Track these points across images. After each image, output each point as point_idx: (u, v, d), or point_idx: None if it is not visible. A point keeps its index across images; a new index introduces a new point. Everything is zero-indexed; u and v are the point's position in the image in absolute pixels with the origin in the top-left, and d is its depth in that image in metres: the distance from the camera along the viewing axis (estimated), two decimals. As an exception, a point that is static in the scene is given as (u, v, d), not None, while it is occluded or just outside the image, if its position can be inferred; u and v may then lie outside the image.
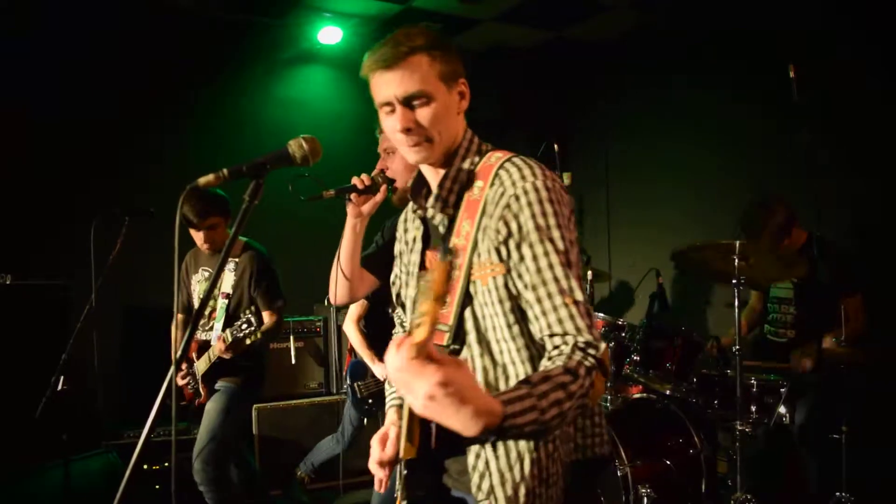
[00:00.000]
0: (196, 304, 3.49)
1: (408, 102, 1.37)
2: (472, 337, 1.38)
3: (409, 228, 1.64)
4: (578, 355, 1.22)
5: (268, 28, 5.09)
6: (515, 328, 1.35)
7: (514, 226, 1.32)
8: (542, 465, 1.33)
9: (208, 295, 1.54)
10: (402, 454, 1.27)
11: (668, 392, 3.42)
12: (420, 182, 1.54)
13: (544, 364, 1.27)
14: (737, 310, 3.07)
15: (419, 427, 1.30)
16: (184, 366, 3.38)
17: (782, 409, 3.19)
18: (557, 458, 1.35)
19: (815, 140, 3.05)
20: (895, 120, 3.83)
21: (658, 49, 5.19)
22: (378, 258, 2.35)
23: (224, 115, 5.06)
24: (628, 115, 5.52)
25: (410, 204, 1.61)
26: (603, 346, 1.26)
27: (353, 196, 2.14)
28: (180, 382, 3.41)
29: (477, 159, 1.46)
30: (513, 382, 1.30)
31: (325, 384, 4.60)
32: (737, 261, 3.01)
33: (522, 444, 1.33)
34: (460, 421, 1.03)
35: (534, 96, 6.00)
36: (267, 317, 3.31)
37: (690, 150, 4.99)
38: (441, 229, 1.47)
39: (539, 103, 6.01)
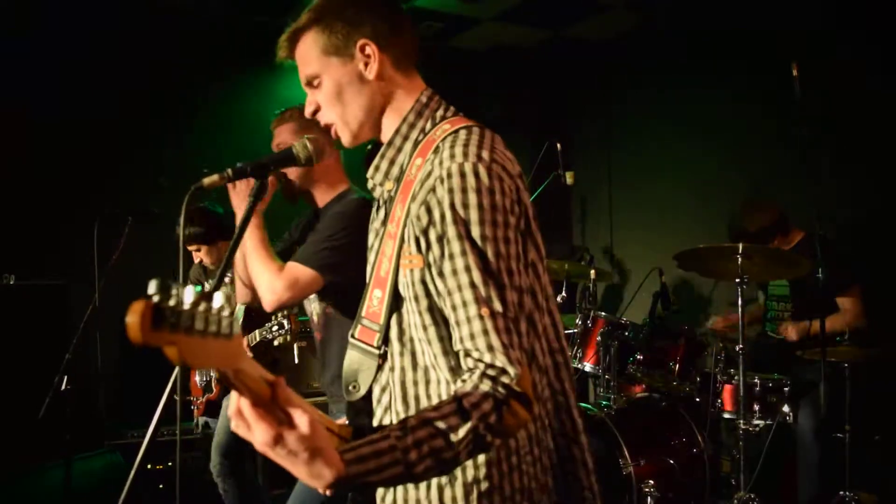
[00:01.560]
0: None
1: (309, 86, 1.32)
2: (393, 332, 1.21)
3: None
4: (486, 385, 1.04)
5: (269, 28, 5.08)
6: (432, 330, 1.16)
7: (435, 214, 1.11)
8: (453, 494, 1.14)
9: (216, 286, 1.53)
10: None
11: (671, 391, 3.42)
12: (372, 155, 1.35)
13: (453, 388, 1.11)
14: (740, 308, 3.07)
15: None
16: None
17: (785, 409, 3.19)
18: (483, 493, 1.14)
19: (815, 140, 3.05)
20: (895, 120, 3.83)
21: (658, 49, 5.20)
22: (288, 255, 2.19)
23: (225, 116, 5.06)
24: (629, 115, 5.53)
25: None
26: (520, 370, 1.05)
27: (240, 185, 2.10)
28: (194, 376, 3.44)
29: (429, 127, 1.26)
30: (433, 389, 1.18)
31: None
32: (740, 260, 3.02)
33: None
34: (300, 475, 0.93)
35: (534, 96, 6.00)
36: (291, 320, 3.34)
37: (691, 149, 4.99)
38: (381, 210, 1.31)
39: (539, 103, 6.01)
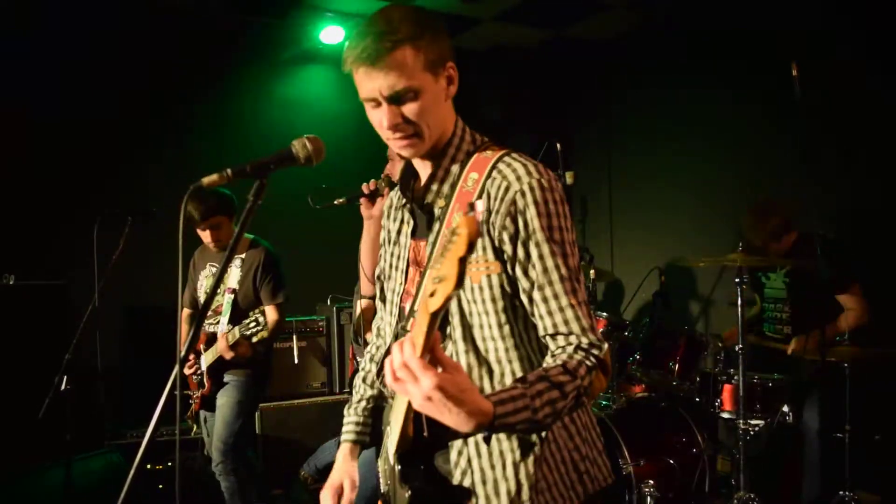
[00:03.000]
0: (202, 299, 3.53)
1: (395, 99, 1.30)
2: (457, 333, 1.36)
3: (395, 218, 1.56)
4: (580, 355, 1.24)
5: (269, 28, 5.09)
6: (506, 328, 1.34)
7: (520, 223, 1.29)
8: (527, 470, 1.33)
9: (214, 290, 1.54)
10: (395, 448, 1.25)
11: (671, 391, 3.42)
12: (409, 173, 1.48)
13: (546, 361, 1.28)
14: (740, 308, 3.07)
15: (413, 421, 1.27)
16: (192, 357, 3.43)
17: (785, 409, 3.19)
18: (552, 465, 1.36)
19: (815, 140, 3.05)
20: (895, 120, 3.83)
21: (658, 49, 5.20)
22: None
23: (226, 116, 5.06)
24: (629, 115, 5.53)
25: (395, 192, 1.58)
26: (605, 346, 1.27)
27: (361, 200, 2.28)
28: (187, 371, 3.47)
29: (471, 149, 1.40)
30: (497, 381, 1.34)
31: (328, 384, 4.60)
32: (739, 259, 3.02)
33: (506, 444, 1.34)
34: (454, 421, 1.06)
35: (534, 96, 6.00)
36: (270, 312, 3.34)
37: (691, 148, 4.99)
38: (434, 222, 1.41)
39: (539, 103, 6.01)
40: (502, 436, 1.34)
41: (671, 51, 5.08)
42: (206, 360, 3.38)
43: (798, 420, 3.27)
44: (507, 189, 1.30)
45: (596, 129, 5.81)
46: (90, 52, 4.50)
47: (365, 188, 2.33)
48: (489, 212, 1.31)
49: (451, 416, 1.05)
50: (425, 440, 1.27)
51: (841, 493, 3.10)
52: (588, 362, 1.23)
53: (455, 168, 1.39)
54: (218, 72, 4.97)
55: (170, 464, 3.90)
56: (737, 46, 4.57)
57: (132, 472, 1.27)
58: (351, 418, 1.66)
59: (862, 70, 3.95)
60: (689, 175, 5.01)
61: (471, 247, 0.91)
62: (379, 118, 1.32)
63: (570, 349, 1.25)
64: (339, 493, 1.54)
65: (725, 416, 3.31)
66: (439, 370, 1.04)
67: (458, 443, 1.37)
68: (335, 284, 4.62)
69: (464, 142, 1.41)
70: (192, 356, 3.45)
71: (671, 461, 3.17)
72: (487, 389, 1.34)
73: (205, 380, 3.40)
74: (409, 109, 1.31)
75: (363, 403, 1.68)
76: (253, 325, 3.06)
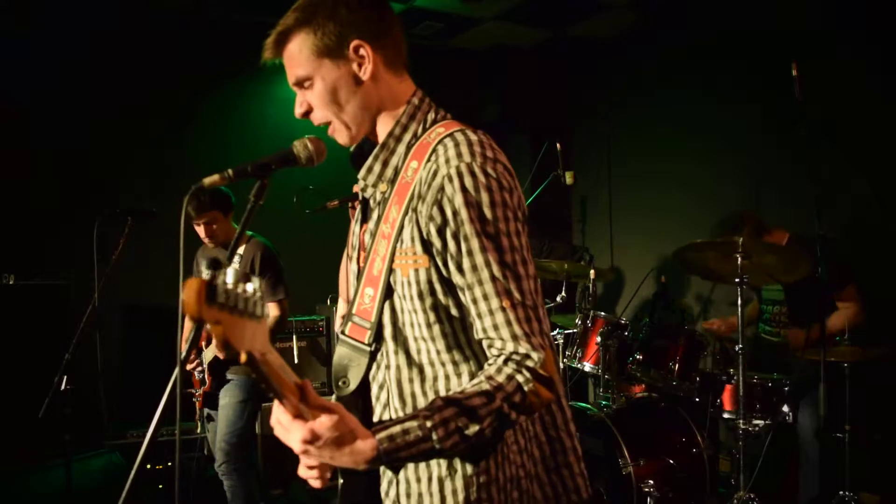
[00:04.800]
0: None
1: (299, 87, 1.29)
2: (388, 332, 1.24)
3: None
4: (510, 368, 1.11)
5: (269, 28, 5.09)
6: (436, 328, 1.20)
7: (448, 212, 1.15)
8: (453, 486, 1.19)
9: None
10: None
11: (670, 391, 3.42)
12: (359, 154, 1.36)
13: (454, 382, 1.20)
14: (739, 308, 3.07)
15: None
16: (193, 353, 3.44)
17: (785, 408, 3.19)
18: (500, 483, 1.19)
19: (815, 140, 3.05)
20: (895, 120, 3.83)
21: (658, 49, 5.20)
22: None
23: (226, 116, 5.06)
24: (629, 115, 5.53)
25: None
26: (543, 355, 1.12)
27: (354, 203, 2.21)
28: (189, 368, 3.48)
29: (420, 130, 1.27)
30: (429, 386, 1.22)
31: (328, 384, 4.60)
32: (739, 259, 3.02)
33: (433, 465, 1.21)
34: (341, 463, 1.03)
35: (534, 96, 6.00)
36: (271, 308, 3.35)
37: (691, 148, 4.99)
38: (374, 210, 1.30)
39: (539, 103, 6.01)
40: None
41: (671, 51, 5.08)
42: (207, 357, 3.39)
43: (795, 420, 3.27)
44: (434, 174, 1.17)
45: (596, 129, 5.81)
46: (90, 52, 4.50)
47: (357, 189, 2.28)
48: (416, 201, 1.19)
49: (335, 461, 1.02)
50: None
51: (841, 493, 3.10)
52: (519, 376, 1.10)
53: (401, 149, 1.27)
54: (218, 72, 4.97)
55: (170, 464, 3.90)
56: (737, 46, 4.57)
57: (132, 472, 1.27)
58: None
59: (862, 70, 3.95)
60: (689, 175, 5.01)
61: (194, 319, 0.77)
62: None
63: (499, 360, 1.12)
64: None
65: (725, 416, 3.32)
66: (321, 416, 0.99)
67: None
68: (335, 284, 4.61)
69: (413, 120, 1.28)
70: (193, 353, 3.45)
71: (671, 461, 3.17)
72: (419, 393, 1.23)
73: (206, 376, 3.40)
74: (311, 97, 1.28)
75: None
76: None
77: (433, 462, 1.20)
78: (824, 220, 2.90)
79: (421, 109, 1.29)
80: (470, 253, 1.14)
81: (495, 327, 1.13)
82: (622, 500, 3.03)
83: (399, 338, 1.24)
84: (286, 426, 1.00)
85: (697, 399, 3.36)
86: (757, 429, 3.14)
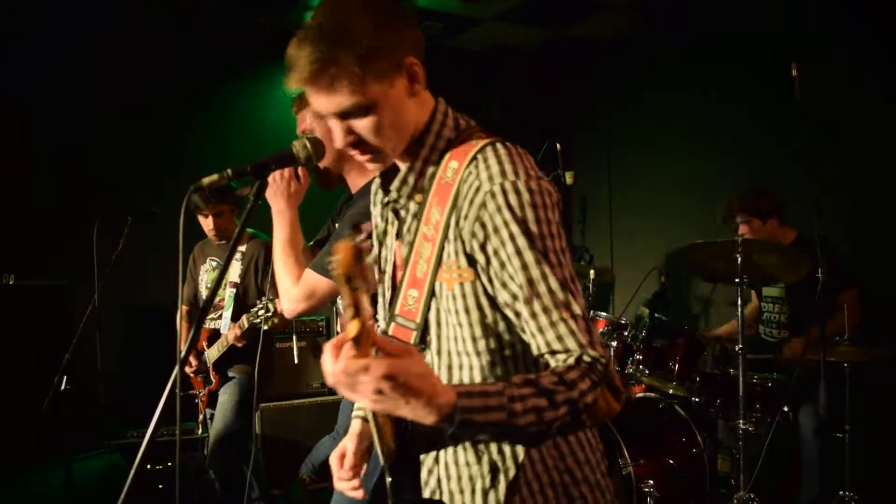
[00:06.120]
0: (204, 294, 3.52)
1: (345, 116, 1.15)
2: (433, 345, 1.22)
3: (382, 216, 1.38)
4: (581, 368, 1.08)
5: (268, 28, 5.09)
6: (482, 343, 1.18)
7: (489, 228, 1.12)
8: (497, 497, 1.17)
9: (218, 283, 1.52)
10: (381, 461, 1.15)
11: (670, 391, 3.42)
12: (390, 169, 1.30)
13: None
14: (739, 308, 3.07)
15: (391, 426, 1.15)
16: (192, 360, 3.41)
17: (785, 408, 3.19)
18: (535, 490, 1.18)
19: (815, 140, 3.05)
20: (895, 120, 3.83)
21: (658, 49, 5.20)
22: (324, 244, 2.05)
23: (225, 116, 5.06)
24: (629, 115, 5.53)
25: (375, 184, 1.41)
26: (610, 364, 1.12)
27: (274, 177, 1.95)
28: (187, 371, 3.46)
29: (453, 136, 1.24)
30: None
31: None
32: (739, 259, 3.02)
33: (475, 469, 1.20)
34: (413, 412, 0.95)
35: (534, 96, 6.00)
36: (279, 304, 3.35)
37: (691, 148, 4.99)
38: (410, 218, 1.26)
39: (540, 103, 6.01)
40: (471, 458, 1.20)
41: (671, 51, 5.09)
42: (211, 356, 3.38)
43: (795, 420, 3.27)
44: (477, 189, 1.14)
45: (596, 129, 5.81)
46: (90, 52, 4.50)
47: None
48: (459, 215, 1.16)
49: (408, 408, 0.94)
50: (412, 447, 1.19)
51: (841, 493, 3.10)
52: (593, 376, 1.07)
53: (434, 157, 1.22)
54: (218, 72, 4.97)
55: (170, 464, 3.90)
56: (737, 46, 4.58)
57: (132, 472, 1.27)
58: None
59: (862, 70, 3.95)
60: (688, 174, 5.01)
61: (347, 279, 0.82)
62: (335, 135, 1.18)
63: (570, 360, 1.09)
64: (344, 457, 1.43)
65: (725, 416, 3.31)
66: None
67: (428, 461, 1.25)
68: (335, 284, 4.62)
69: (445, 128, 1.24)
70: (192, 359, 3.43)
71: (671, 461, 3.17)
72: None
73: (211, 375, 3.40)
74: (362, 126, 1.16)
75: None
76: (262, 311, 3.00)
77: (476, 473, 1.19)
78: (824, 220, 2.89)
79: (448, 117, 1.26)
80: (524, 267, 1.11)
81: (559, 338, 1.10)
82: (622, 500, 3.03)
83: (442, 352, 1.22)
84: (359, 365, 0.89)
85: (697, 399, 3.36)
86: (757, 429, 3.14)
